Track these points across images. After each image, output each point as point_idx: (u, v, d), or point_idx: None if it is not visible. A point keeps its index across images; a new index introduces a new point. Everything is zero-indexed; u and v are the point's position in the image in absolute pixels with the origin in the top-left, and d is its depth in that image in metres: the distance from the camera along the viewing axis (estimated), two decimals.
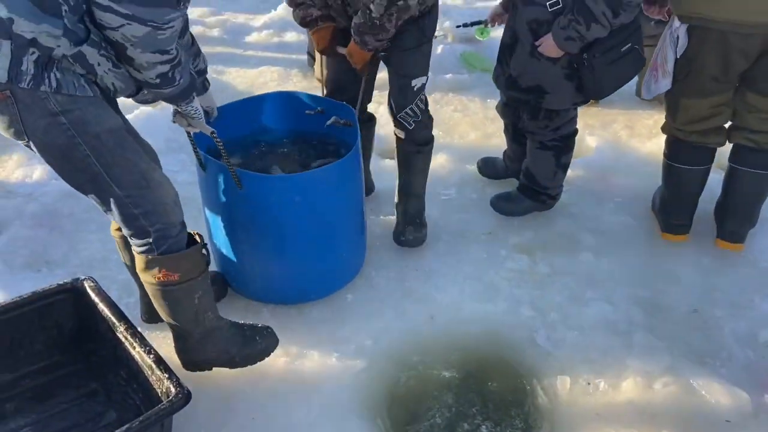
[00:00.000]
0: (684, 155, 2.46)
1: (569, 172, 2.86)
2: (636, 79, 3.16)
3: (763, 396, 1.95)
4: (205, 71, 1.99)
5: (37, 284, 2.23)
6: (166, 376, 1.69)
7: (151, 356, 1.73)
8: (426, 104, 2.38)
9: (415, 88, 2.26)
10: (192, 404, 1.72)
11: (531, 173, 2.67)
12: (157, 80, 1.55)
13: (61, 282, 1.92)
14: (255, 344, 1.93)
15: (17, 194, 2.76)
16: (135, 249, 1.72)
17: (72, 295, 1.90)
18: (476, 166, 3.01)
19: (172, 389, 1.65)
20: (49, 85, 1.43)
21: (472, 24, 3.20)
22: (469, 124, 3.47)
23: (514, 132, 2.77)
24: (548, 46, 2.26)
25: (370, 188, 2.81)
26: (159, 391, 1.71)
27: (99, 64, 1.49)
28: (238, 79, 3.99)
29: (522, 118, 2.58)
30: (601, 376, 2.02)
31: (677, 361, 2.06)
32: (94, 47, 1.46)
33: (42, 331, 1.88)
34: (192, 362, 1.90)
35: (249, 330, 1.96)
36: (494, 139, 3.28)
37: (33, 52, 1.40)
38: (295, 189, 2.06)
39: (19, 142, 1.53)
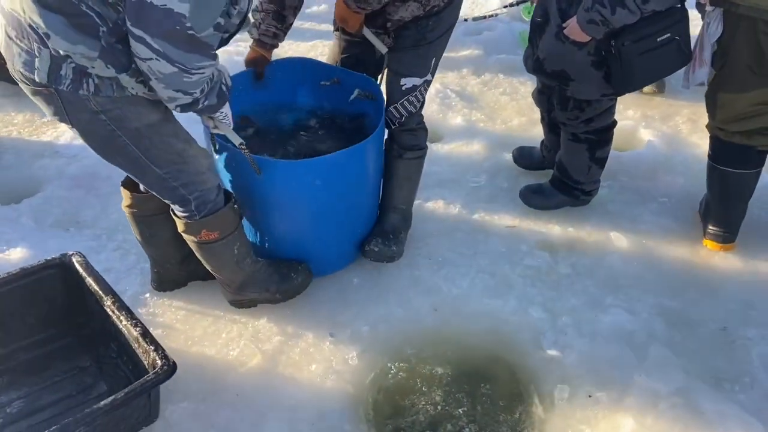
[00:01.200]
0: (727, 157, 2.23)
1: (614, 165, 2.69)
2: None
3: None
4: None
5: (63, 243, 2.38)
6: (152, 348, 1.72)
7: (138, 329, 1.77)
8: (417, 109, 2.22)
9: (403, 88, 2.14)
10: (182, 376, 1.77)
11: (564, 166, 2.52)
12: (177, 108, 1.61)
13: (49, 257, 1.97)
14: (291, 280, 2.12)
15: (62, 155, 2.89)
16: (178, 215, 1.86)
17: (60, 270, 1.95)
18: (512, 154, 2.87)
19: (158, 361, 1.69)
20: (87, 89, 1.51)
21: (518, 3, 3.03)
22: (515, 108, 3.31)
23: (549, 121, 2.61)
24: (573, 28, 2.09)
25: None
26: (146, 362, 1.74)
27: (132, 88, 1.55)
28: (289, 52, 3.99)
29: (554, 107, 2.42)
30: (605, 390, 1.89)
31: (691, 382, 1.90)
32: (132, 77, 1.52)
33: (33, 306, 1.94)
34: (238, 302, 2.12)
35: (285, 267, 2.13)
36: (539, 126, 3.08)
37: (71, 62, 1.47)
38: (316, 173, 2.01)
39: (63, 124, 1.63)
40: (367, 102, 2.25)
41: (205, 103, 1.64)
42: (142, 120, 1.62)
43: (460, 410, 1.89)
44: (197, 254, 1.96)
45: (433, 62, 2.16)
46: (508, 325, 2.12)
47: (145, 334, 1.75)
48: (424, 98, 2.22)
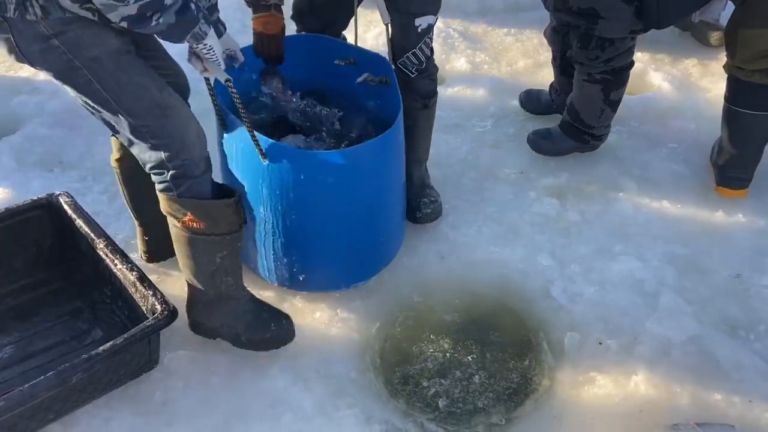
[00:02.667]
0: (746, 98, 2.14)
1: (623, 110, 2.58)
2: None
3: None
4: (215, 8, 1.66)
5: (47, 184, 2.26)
6: (151, 293, 1.64)
7: (134, 273, 1.68)
8: (432, 51, 2.04)
9: (419, 29, 1.89)
10: (180, 323, 1.69)
11: (575, 109, 2.41)
12: (123, 23, 1.33)
13: (35, 197, 1.85)
14: (266, 330, 1.75)
15: (41, 91, 2.73)
16: (156, 185, 1.58)
17: (47, 211, 1.84)
18: (518, 98, 2.75)
19: (158, 306, 1.61)
20: (33, 14, 1.31)
21: None
22: (520, 50, 3.18)
23: (562, 62, 2.49)
24: None
25: None
26: (144, 308, 1.67)
27: (77, 14, 1.33)
28: None
29: (571, 46, 2.30)
30: (615, 337, 1.85)
31: (704, 330, 1.86)
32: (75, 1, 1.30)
33: (19, 248, 1.83)
34: (195, 324, 1.77)
35: (267, 312, 1.78)
36: (545, 69, 2.98)
37: None
38: (330, 168, 1.71)
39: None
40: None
41: (160, 20, 1.33)
42: (102, 46, 1.37)
43: (469, 357, 1.84)
44: (175, 244, 1.65)
45: None
46: (517, 273, 2.05)
47: (143, 279, 1.67)
48: (432, 41, 2.04)
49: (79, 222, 1.79)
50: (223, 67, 1.60)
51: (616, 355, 1.81)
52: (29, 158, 2.40)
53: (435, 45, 3.10)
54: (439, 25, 3.24)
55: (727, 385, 1.72)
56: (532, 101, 2.72)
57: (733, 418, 1.65)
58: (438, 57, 3.07)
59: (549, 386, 1.77)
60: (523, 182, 2.40)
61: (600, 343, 1.84)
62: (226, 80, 1.60)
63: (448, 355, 1.85)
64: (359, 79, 2.01)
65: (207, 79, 1.67)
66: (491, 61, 3.09)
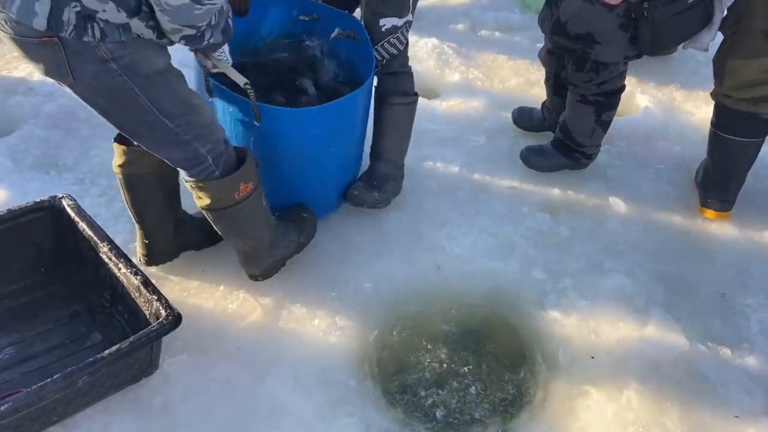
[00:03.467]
0: (732, 125, 2.23)
1: (612, 131, 2.66)
2: None
3: None
4: None
5: (44, 186, 2.25)
6: (155, 297, 1.65)
7: (138, 277, 1.68)
8: (400, 51, 2.13)
9: (383, 29, 2.04)
10: (180, 328, 1.68)
11: (567, 128, 2.48)
12: (182, 41, 1.47)
13: (37, 200, 1.85)
14: (306, 220, 2.07)
15: (37, 93, 2.71)
16: (196, 180, 1.69)
17: (49, 213, 1.83)
18: (511, 115, 2.82)
19: (162, 311, 1.61)
20: (92, 35, 1.32)
21: None
22: (512, 68, 3.25)
23: (555, 82, 2.55)
24: None
25: None
26: (147, 312, 1.67)
27: (142, 33, 1.39)
28: None
29: (565, 68, 2.37)
30: (607, 352, 1.90)
31: (692, 346, 1.92)
32: (142, 21, 1.37)
33: (19, 250, 1.82)
34: (271, 269, 2.01)
35: (292, 213, 2.08)
36: (537, 87, 3.06)
37: (75, 6, 1.29)
38: (314, 121, 1.96)
39: (61, 83, 1.43)
40: (351, 43, 2.15)
41: (211, 40, 1.51)
42: (153, 65, 1.46)
43: (465, 368, 1.87)
44: (224, 225, 1.81)
45: (412, 1, 2.06)
46: (511, 286, 2.10)
47: (147, 283, 1.67)
48: (407, 40, 2.14)
49: (83, 225, 1.78)
50: (231, 63, 1.71)
51: (608, 370, 1.85)
52: (26, 160, 2.38)
53: (430, 60, 3.21)
54: (434, 41, 3.33)
55: (715, 400, 1.78)
56: (524, 118, 2.79)
57: None
58: (433, 71, 3.16)
59: (543, 398, 1.81)
60: (517, 197, 2.46)
61: (592, 357, 1.89)
62: (245, 84, 1.71)
63: (444, 365, 1.88)
64: (332, 35, 2.16)
65: (202, 67, 1.76)
66: (484, 77, 3.15)
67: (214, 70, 1.74)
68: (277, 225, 1.97)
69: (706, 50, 2.22)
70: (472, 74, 3.15)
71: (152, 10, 1.36)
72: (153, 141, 1.60)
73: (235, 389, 1.73)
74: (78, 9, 1.29)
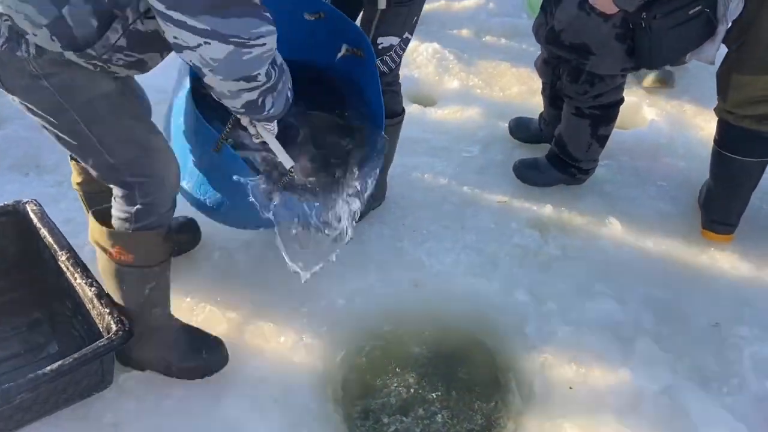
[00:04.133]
0: (735, 143, 2.10)
1: (614, 144, 2.55)
2: None
3: None
4: None
5: (22, 188, 2.22)
6: (107, 311, 1.58)
7: (93, 289, 1.62)
8: (392, 70, 2.00)
9: (380, 47, 1.92)
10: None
11: (563, 141, 2.37)
12: (242, 110, 1.34)
13: (3, 204, 1.80)
14: (198, 359, 1.71)
15: None
16: (113, 212, 1.50)
17: (13, 218, 1.78)
18: (507, 125, 2.71)
19: (113, 326, 1.55)
20: (26, 51, 1.23)
21: None
22: (514, 75, 3.13)
23: (551, 93, 2.45)
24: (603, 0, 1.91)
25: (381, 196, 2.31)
26: (100, 326, 1.61)
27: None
28: None
29: (561, 79, 2.26)
30: (587, 384, 1.80)
31: (678, 380, 1.81)
32: (82, 58, 1.23)
33: None
34: (127, 357, 1.69)
35: (197, 340, 1.73)
36: (539, 96, 2.92)
37: (6, 20, 1.20)
38: None
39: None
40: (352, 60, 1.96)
41: (271, 110, 1.36)
42: (95, 89, 1.31)
43: (433, 394, 1.79)
44: (102, 275, 1.60)
45: (414, 21, 1.94)
46: (491, 308, 2.00)
47: (101, 295, 1.61)
48: (400, 58, 2.01)
49: (44, 231, 1.74)
50: (275, 138, 1.56)
51: (586, 403, 1.75)
52: (5, 161, 2.35)
53: (429, 66, 3.12)
54: (435, 46, 3.23)
55: None
56: (521, 129, 2.68)
57: None
58: (431, 78, 3.07)
59: (514, 430, 1.71)
60: (506, 212, 2.35)
61: (570, 388, 1.79)
62: (291, 168, 1.57)
63: (412, 390, 1.80)
64: (339, 54, 1.94)
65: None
66: (484, 85, 3.04)
67: (258, 140, 1.58)
68: (164, 327, 1.67)
69: (712, 63, 2.09)
70: (472, 81, 3.05)
71: (105, 58, 1.23)
72: (88, 164, 1.44)
73: (189, 408, 1.66)
74: (9, 24, 1.21)
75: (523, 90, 3.04)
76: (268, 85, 1.31)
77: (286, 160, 1.57)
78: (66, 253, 1.70)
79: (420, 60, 3.14)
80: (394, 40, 1.92)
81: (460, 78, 3.06)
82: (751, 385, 1.81)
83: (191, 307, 1.92)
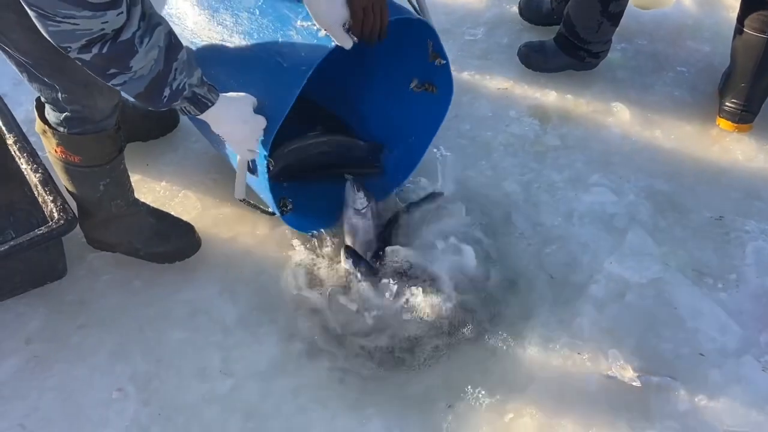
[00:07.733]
0: (756, 19, 1.86)
1: (633, 25, 2.33)
2: None
3: (757, 336, 1.58)
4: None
5: None
6: (51, 198, 1.52)
7: (38, 175, 1.55)
8: None
9: None
10: None
11: (571, 21, 2.15)
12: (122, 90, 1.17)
13: None
14: (166, 244, 1.67)
15: None
16: (46, 114, 1.40)
17: None
18: (518, 5, 2.48)
19: (56, 213, 1.49)
20: None
21: None
22: None
23: None
24: None
25: None
26: (46, 213, 1.54)
27: None
28: None
29: None
30: (570, 274, 1.72)
31: (669, 274, 1.71)
32: None
33: None
34: (93, 239, 1.68)
35: (166, 226, 1.69)
36: None
37: None
38: None
39: None
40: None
41: (167, 94, 1.20)
42: None
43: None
44: (55, 168, 1.52)
45: None
46: (479, 197, 1.90)
47: (46, 182, 1.53)
48: None
49: None
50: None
51: (567, 293, 1.68)
52: None
53: None
54: None
55: (680, 335, 1.59)
56: (531, 9, 2.45)
57: (678, 372, 1.52)
58: None
59: (489, 319, 1.65)
60: (506, 99, 2.20)
61: (552, 277, 1.71)
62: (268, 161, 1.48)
63: None
64: (412, 85, 1.83)
65: None
66: None
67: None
68: (128, 214, 1.62)
69: None
70: None
71: None
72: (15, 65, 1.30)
73: (158, 288, 1.66)
74: None
75: None
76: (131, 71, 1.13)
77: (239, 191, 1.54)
78: (14, 136, 1.62)
79: None
80: None
81: None
82: (750, 282, 1.70)
83: (165, 190, 1.87)
